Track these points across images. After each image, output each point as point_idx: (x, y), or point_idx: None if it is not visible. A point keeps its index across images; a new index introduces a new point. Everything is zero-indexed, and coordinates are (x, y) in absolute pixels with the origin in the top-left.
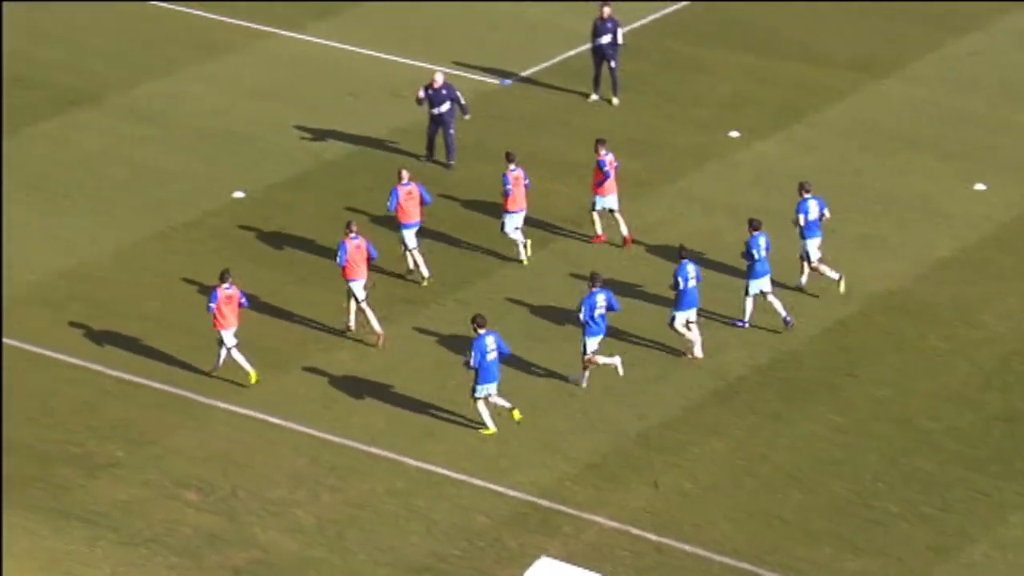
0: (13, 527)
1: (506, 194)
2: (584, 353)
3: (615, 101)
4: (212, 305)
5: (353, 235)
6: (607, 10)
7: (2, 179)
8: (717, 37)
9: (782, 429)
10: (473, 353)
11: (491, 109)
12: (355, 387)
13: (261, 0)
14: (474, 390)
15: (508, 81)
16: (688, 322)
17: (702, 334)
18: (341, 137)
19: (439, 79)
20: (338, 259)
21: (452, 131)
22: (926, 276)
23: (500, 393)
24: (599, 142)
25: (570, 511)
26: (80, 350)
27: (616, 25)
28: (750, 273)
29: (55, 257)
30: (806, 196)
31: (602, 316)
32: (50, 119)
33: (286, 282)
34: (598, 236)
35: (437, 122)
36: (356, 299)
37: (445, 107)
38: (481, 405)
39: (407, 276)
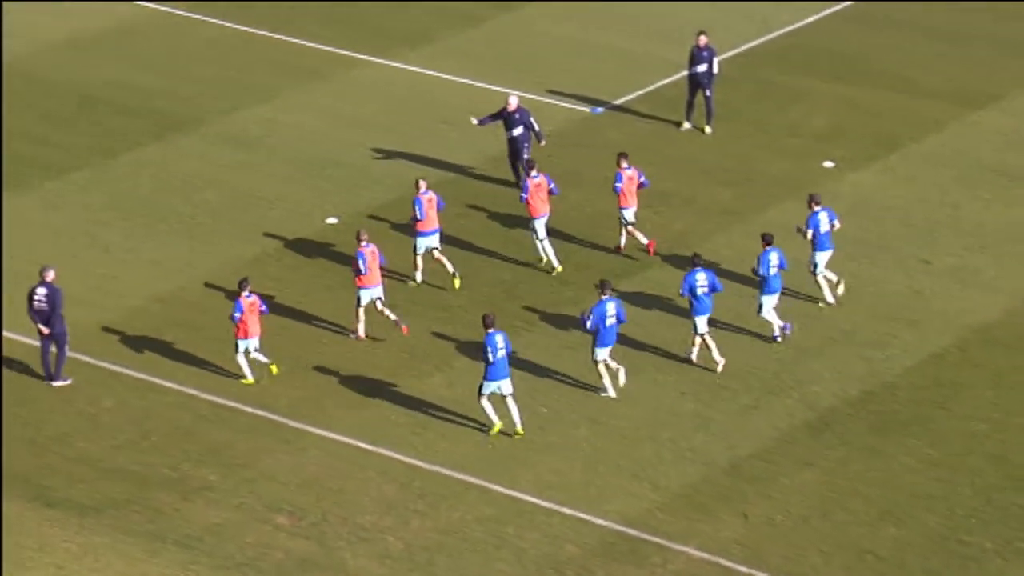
0: (108, 549)
1: (523, 200)
2: (595, 361)
3: (708, 130)
4: (238, 315)
5: (365, 243)
6: (704, 39)
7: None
8: (812, 67)
9: (874, 462)
10: (489, 349)
11: (582, 137)
12: (445, 413)
13: (358, 28)
14: (481, 387)
15: (599, 109)
16: (701, 332)
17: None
18: (434, 164)
19: (513, 103)
20: (361, 267)
21: (526, 156)
22: (1023, 309)
23: (515, 398)
24: (621, 155)
25: (659, 541)
26: (176, 375)
27: (713, 54)
28: (763, 289)
29: (152, 282)
30: (816, 209)
31: (613, 326)
32: (149, 145)
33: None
34: (620, 246)
35: (512, 146)
36: (375, 305)
37: (518, 131)
38: (485, 403)
39: (412, 282)
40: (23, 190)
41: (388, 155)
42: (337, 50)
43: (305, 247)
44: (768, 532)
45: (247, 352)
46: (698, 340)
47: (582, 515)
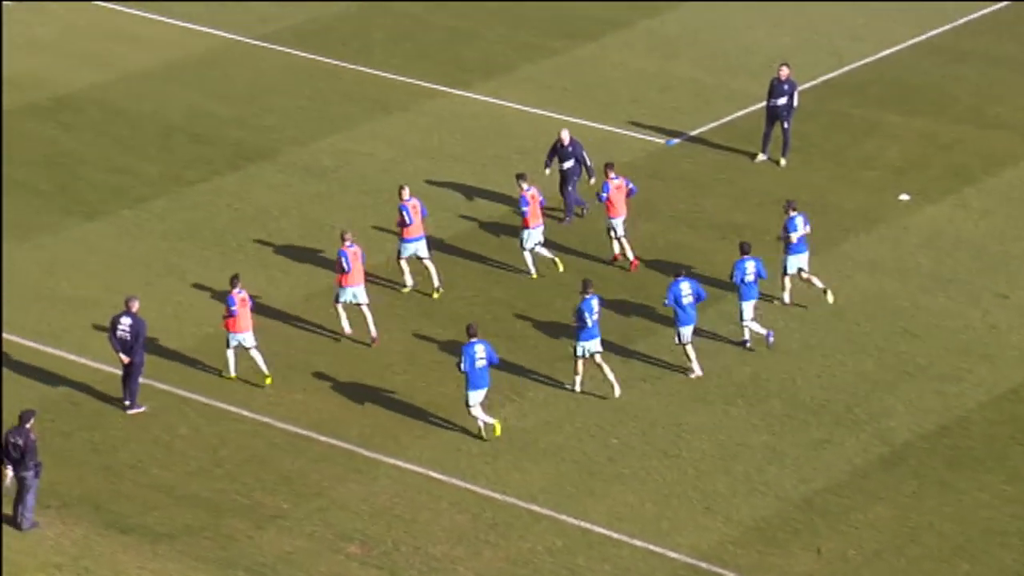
0: None
1: (523, 214)
2: (576, 356)
3: (783, 162)
4: (234, 309)
5: (349, 243)
6: (786, 71)
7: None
8: (887, 100)
9: (949, 497)
10: (463, 359)
11: (657, 169)
12: (517, 443)
13: (433, 59)
14: (467, 399)
15: (674, 141)
16: (684, 342)
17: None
18: (508, 195)
19: (566, 137)
20: (344, 266)
21: (571, 188)
22: None
23: (487, 408)
24: (607, 166)
25: (731, 575)
26: (250, 402)
27: (794, 87)
28: (741, 296)
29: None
30: (793, 214)
31: (595, 321)
32: (226, 175)
33: (448, 338)
34: (616, 255)
35: (562, 177)
36: (359, 305)
37: (569, 164)
38: (476, 411)
39: (404, 289)
40: (101, 218)
41: (461, 185)
42: (412, 80)
43: (378, 277)
44: (841, 567)
45: (240, 347)
46: (690, 350)
47: (653, 547)
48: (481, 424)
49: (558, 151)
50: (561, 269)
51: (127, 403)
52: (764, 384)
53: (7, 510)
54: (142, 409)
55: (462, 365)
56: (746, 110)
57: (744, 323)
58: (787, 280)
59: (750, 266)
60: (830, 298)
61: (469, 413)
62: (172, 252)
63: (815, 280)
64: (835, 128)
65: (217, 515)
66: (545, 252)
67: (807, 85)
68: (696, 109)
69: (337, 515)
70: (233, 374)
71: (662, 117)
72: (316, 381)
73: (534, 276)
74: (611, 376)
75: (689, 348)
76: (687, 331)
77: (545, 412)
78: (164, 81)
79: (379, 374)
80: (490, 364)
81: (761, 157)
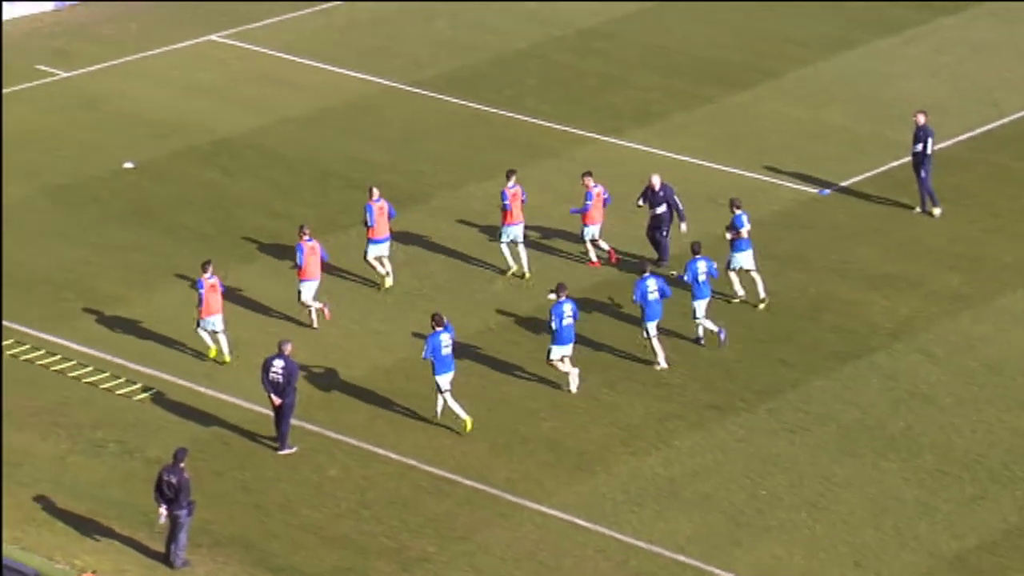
0: None
1: (505, 208)
2: (549, 359)
3: (936, 212)
4: (202, 293)
5: (307, 238)
6: (921, 118)
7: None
8: None
9: None
10: (426, 347)
11: (808, 219)
12: (662, 491)
13: (584, 106)
14: (439, 385)
15: (827, 191)
16: (651, 336)
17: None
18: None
19: (656, 181)
20: (297, 260)
21: (665, 233)
22: None
23: (456, 398)
24: (585, 174)
25: None
26: (397, 445)
27: (928, 134)
28: (694, 295)
29: (377, 353)
30: (739, 212)
31: (570, 325)
32: None
33: (598, 384)
34: (593, 262)
35: (654, 222)
36: (302, 300)
37: (661, 209)
38: (449, 399)
39: (380, 286)
40: (257, 260)
41: (610, 233)
42: (563, 127)
43: (526, 321)
44: None
45: (213, 333)
46: (656, 344)
47: None
48: (458, 410)
49: (649, 196)
50: (528, 272)
51: (278, 444)
52: (917, 438)
53: (160, 548)
54: (293, 450)
55: (424, 354)
56: (901, 160)
57: (697, 320)
58: (733, 275)
59: (701, 266)
60: (762, 306)
61: (445, 399)
62: (324, 294)
63: (759, 281)
64: (992, 179)
65: (364, 557)
66: (522, 252)
67: (965, 136)
68: (849, 158)
69: (482, 560)
70: (213, 348)
71: (814, 166)
72: (462, 424)
73: (513, 269)
74: (575, 377)
75: (655, 341)
76: (652, 326)
77: (692, 461)
78: (320, 126)
79: (525, 419)
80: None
81: (918, 209)
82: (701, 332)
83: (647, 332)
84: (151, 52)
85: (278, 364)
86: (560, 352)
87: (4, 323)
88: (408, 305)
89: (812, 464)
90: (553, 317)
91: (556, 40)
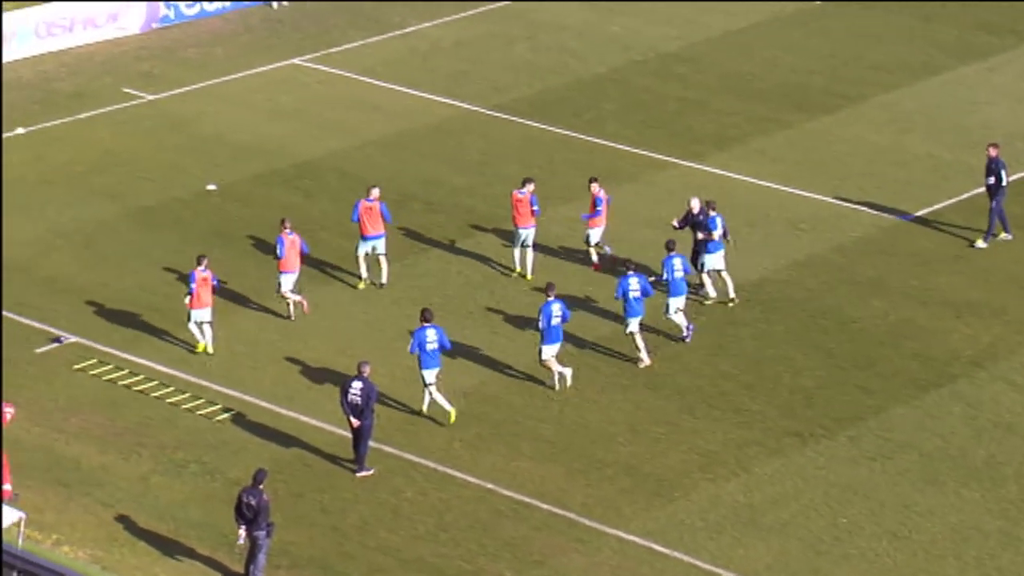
0: None
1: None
2: (541, 359)
3: (1004, 236)
4: (193, 286)
5: (288, 231)
6: (993, 151)
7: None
8: None
9: None
10: (412, 342)
11: (889, 245)
12: (741, 518)
13: (663, 130)
14: (422, 378)
15: (908, 217)
16: (633, 333)
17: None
18: (734, 267)
19: (696, 205)
20: (279, 252)
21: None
22: None
23: (442, 389)
24: (592, 180)
25: None
26: (475, 468)
27: (1000, 166)
28: (669, 292)
29: (456, 376)
30: (713, 214)
31: (558, 325)
32: (458, 241)
33: (676, 409)
34: (596, 264)
35: (699, 248)
36: (281, 291)
37: (702, 233)
38: (434, 391)
39: (364, 282)
40: (336, 282)
41: (686, 257)
42: (642, 151)
43: (603, 346)
44: None
45: (200, 324)
46: (639, 340)
47: None
48: (443, 402)
49: (690, 218)
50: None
51: (356, 466)
52: (1000, 467)
53: (239, 568)
54: (370, 472)
55: (409, 348)
56: (982, 187)
57: (668, 316)
58: (705, 276)
59: (677, 263)
60: (710, 291)
61: (430, 393)
62: (403, 317)
63: (729, 283)
64: None
65: None
66: (530, 254)
67: None
68: (932, 185)
69: None
70: (202, 343)
71: (896, 192)
72: (541, 448)
73: (517, 271)
74: (566, 373)
75: (637, 337)
76: (634, 322)
77: (771, 488)
78: (400, 149)
79: (603, 444)
80: (441, 348)
81: (1004, 235)
82: (685, 331)
83: (628, 327)
84: (235, 75)
85: (356, 386)
86: (549, 352)
87: (87, 343)
88: (488, 330)
89: (893, 493)
90: (541, 316)
91: (636, 64)
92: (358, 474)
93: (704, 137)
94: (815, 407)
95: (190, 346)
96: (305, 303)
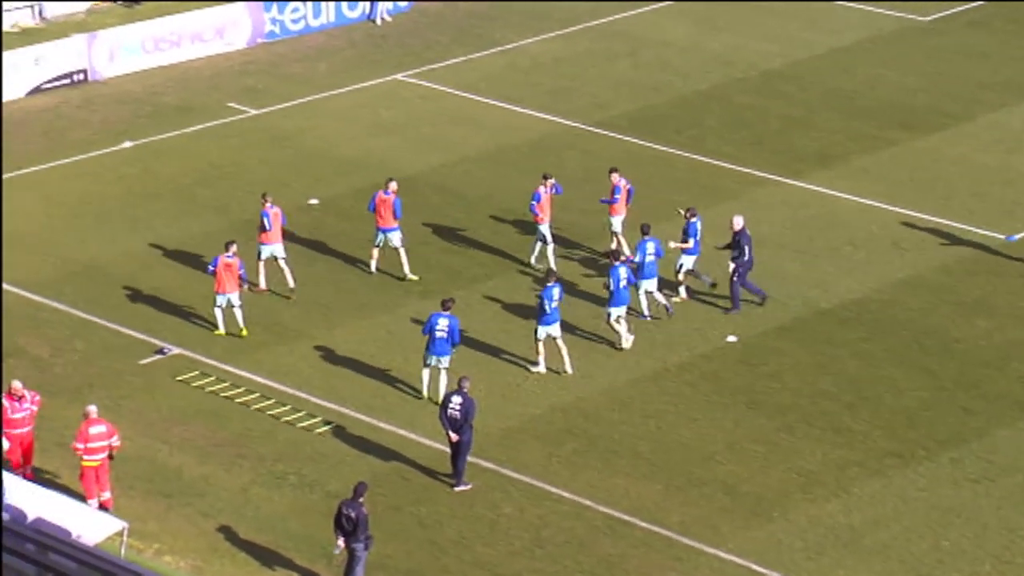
0: None
1: (531, 210)
2: (536, 338)
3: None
4: (212, 268)
5: (270, 204)
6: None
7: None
8: None
9: None
10: (425, 325)
11: (994, 265)
12: (841, 539)
13: (766, 148)
14: (424, 359)
15: (1015, 237)
16: (618, 317)
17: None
18: (836, 286)
19: (738, 223)
20: (265, 224)
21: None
22: None
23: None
24: (612, 171)
25: None
26: (571, 484)
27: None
28: (638, 275)
29: (554, 392)
30: (692, 220)
31: (556, 308)
32: (559, 257)
33: (775, 428)
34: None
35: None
36: (276, 261)
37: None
38: (425, 373)
39: (375, 272)
40: (431, 295)
41: (790, 276)
42: (744, 168)
43: (704, 365)
44: None
45: (228, 305)
46: (621, 325)
47: None
48: (424, 382)
49: (734, 239)
50: (550, 262)
51: (454, 481)
52: (554, 311)
53: None
54: (468, 487)
55: (423, 329)
56: None
57: (640, 296)
58: (681, 276)
59: (650, 246)
60: (682, 292)
61: (430, 376)
62: (502, 332)
63: (705, 279)
64: None
65: None
66: (550, 249)
67: None
68: None
69: None
70: (222, 330)
71: (1003, 212)
72: (638, 465)
73: (532, 263)
74: (567, 357)
75: (622, 323)
76: (617, 310)
77: (872, 509)
78: (500, 165)
79: (701, 462)
80: (451, 340)
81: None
82: (626, 343)
83: (609, 316)
84: (338, 91)
85: (456, 400)
86: (545, 331)
87: (191, 355)
88: (585, 346)
89: (996, 516)
90: (544, 300)
91: (738, 82)
92: (456, 488)
93: (806, 155)
94: (917, 428)
95: (290, 358)
96: (289, 274)
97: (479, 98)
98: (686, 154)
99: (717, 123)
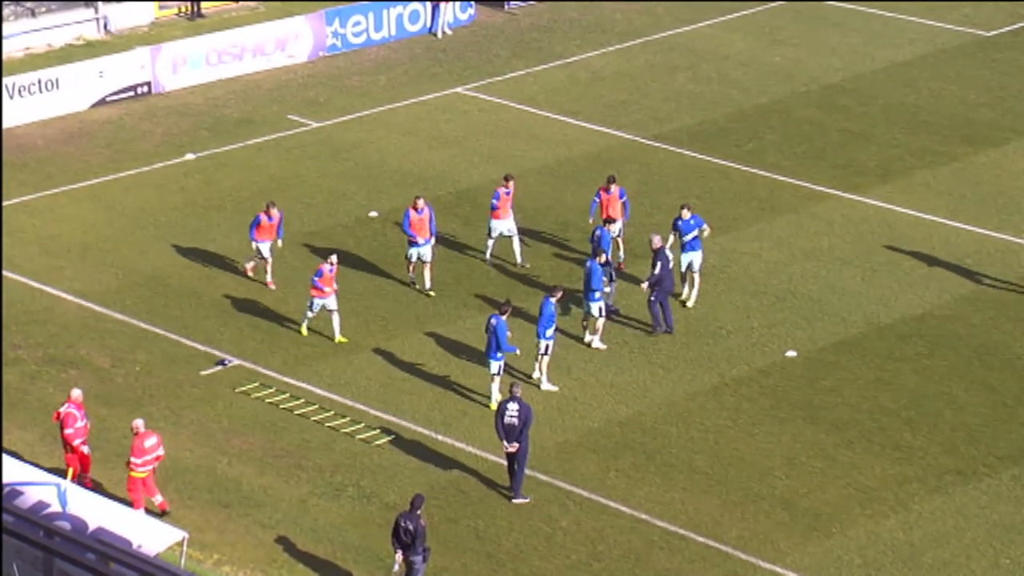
0: None
1: (493, 208)
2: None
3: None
4: (317, 279)
5: (273, 209)
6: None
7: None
8: None
9: None
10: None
11: None
12: (900, 556)
13: (825, 162)
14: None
15: None
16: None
17: None
18: (896, 301)
19: (656, 242)
20: (261, 221)
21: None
22: None
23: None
24: (610, 179)
25: None
26: (629, 498)
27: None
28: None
29: (612, 405)
30: (687, 216)
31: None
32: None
33: (835, 443)
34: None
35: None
36: (264, 259)
37: (658, 269)
38: (494, 385)
39: (412, 286)
40: (486, 309)
41: (850, 291)
42: (803, 183)
43: (762, 380)
44: None
45: (324, 308)
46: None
47: None
48: (493, 395)
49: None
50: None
51: (512, 493)
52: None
53: None
54: (526, 500)
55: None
56: None
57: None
58: (685, 274)
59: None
60: (685, 293)
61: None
62: (559, 345)
63: (697, 280)
64: None
65: None
66: (517, 246)
67: None
68: None
69: None
70: (304, 332)
71: None
72: (696, 479)
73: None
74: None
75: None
76: (597, 307)
77: (932, 526)
78: (559, 178)
79: (759, 477)
80: (496, 343)
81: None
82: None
83: (591, 312)
84: (398, 104)
85: (512, 408)
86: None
87: (250, 366)
88: (643, 359)
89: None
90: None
91: (799, 95)
92: (514, 501)
93: (867, 169)
94: (978, 444)
95: (349, 369)
96: (270, 274)
97: (538, 111)
98: (745, 168)
99: (777, 137)
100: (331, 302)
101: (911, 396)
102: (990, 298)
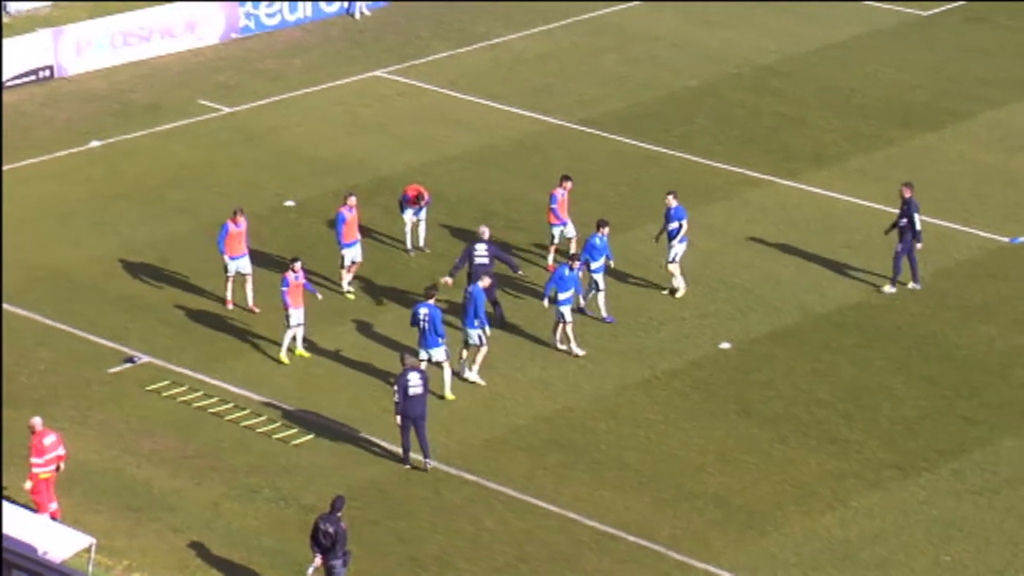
0: None
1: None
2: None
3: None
4: (284, 289)
5: (240, 217)
6: (907, 192)
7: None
8: None
9: None
10: (411, 316)
11: (997, 268)
12: (837, 554)
13: (759, 148)
14: (418, 355)
15: (1019, 239)
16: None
17: None
18: (832, 291)
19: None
20: (232, 231)
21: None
22: None
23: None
24: (564, 177)
25: None
26: (557, 498)
27: (913, 208)
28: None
29: (538, 401)
30: (674, 204)
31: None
32: (543, 259)
33: (769, 439)
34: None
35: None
36: (244, 276)
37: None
38: (445, 372)
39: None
40: (414, 300)
41: (784, 279)
42: (736, 168)
43: (695, 373)
44: None
45: (297, 323)
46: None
47: None
48: (445, 385)
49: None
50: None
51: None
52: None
53: None
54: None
55: (410, 321)
56: None
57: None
58: (673, 268)
59: (597, 242)
60: (675, 284)
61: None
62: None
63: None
64: None
65: None
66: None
67: None
68: None
69: None
70: (299, 352)
71: (1005, 213)
72: (625, 476)
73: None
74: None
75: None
76: (566, 309)
77: (869, 522)
78: (483, 165)
79: (692, 473)
80: (434, 330)
81: (912, 285)
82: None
83: (559, 313)
84: (314, 88)
85: (414, 377)
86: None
87: (161, 364)
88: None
89: (999, 529)
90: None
91: (731, 78)
92: (428, 464)
93: (801, 154)
94: (917, 438)
95: (264, 367)
96: (250, 292)
97: (461, 95)
98: (676, 153)
99: (709, 121)
100: (296, 315)
101: (848, 389)
102: (928, 287)
